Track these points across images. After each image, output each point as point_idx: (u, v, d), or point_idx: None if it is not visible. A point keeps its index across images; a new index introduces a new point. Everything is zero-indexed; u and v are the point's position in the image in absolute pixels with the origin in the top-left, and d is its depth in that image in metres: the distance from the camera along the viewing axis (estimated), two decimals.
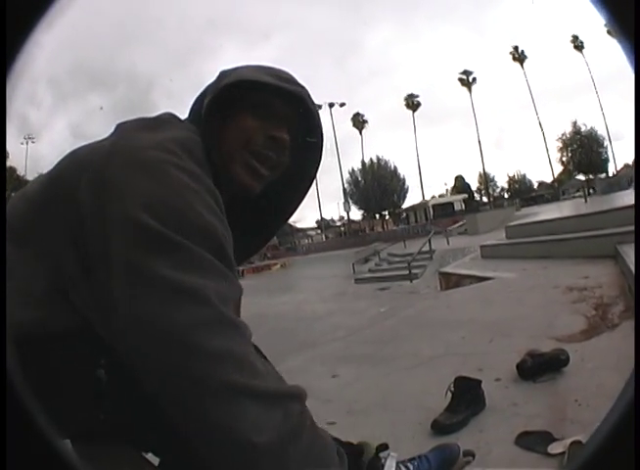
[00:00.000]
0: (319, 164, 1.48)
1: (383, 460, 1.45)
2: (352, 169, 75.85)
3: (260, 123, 1.28)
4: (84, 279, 1.04)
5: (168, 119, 1.27)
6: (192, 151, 1.13)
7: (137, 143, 1.09)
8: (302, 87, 1.35)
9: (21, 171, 62.03)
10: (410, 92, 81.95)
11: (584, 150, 66.69)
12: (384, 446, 1.49)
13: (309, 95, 1.36)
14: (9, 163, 55.40)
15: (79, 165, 1.10)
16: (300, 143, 1.37)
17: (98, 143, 1.17)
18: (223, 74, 1.35)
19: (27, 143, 69.63)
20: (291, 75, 1.37)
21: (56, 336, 1.03)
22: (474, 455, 1.67)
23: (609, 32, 0.53)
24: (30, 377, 0.59)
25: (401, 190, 76.13)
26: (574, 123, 69.50)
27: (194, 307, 0.94)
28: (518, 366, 2.95)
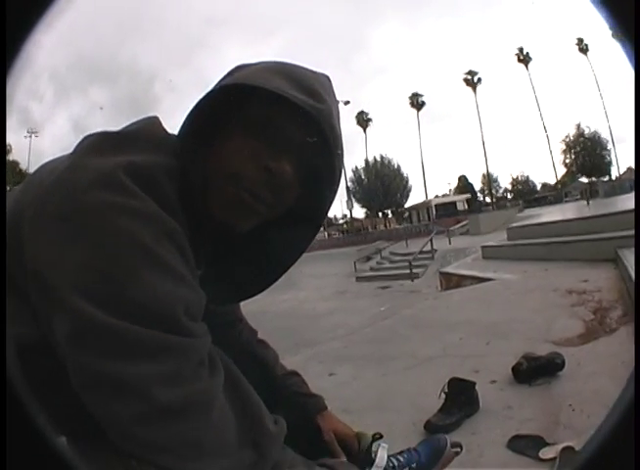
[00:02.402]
0: (332, 202, 1.15)
1: (374, 452, 1.47)
2: (356, 168, 75.65)
3: (256, 148, 0.99)
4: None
5: (142, 134, 1.01)
6: (151, 181, 0.91)
7: (79, 179, 0.88)
8: (324, 103, 1.02)
9: (24, 165, 62.06)
10: (415, 91, 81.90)
11: (587, 152, 66.63)
12: (378, 435, 1.52)
13: (331, 115, 1.04)
14: (11, 156, 55.51)
15: (28, 197, 0.94)
16: (311, 177, 1.07)
17: (54, 165, 1.00)
18: (234, 70, 1.09)
19: (31, 137, 69.28)
20: (316, 83, 1.05)
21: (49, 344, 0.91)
22: (461, 447, 1.69)
23: (613, 35, 0.54)
24: (30, 380, 0.61)
25: (404, 189, 76.01)
26: (578, 126, 69.56)
27: (135, 402, 0.82)
28: (513, 369, 2.96)
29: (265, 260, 1.19)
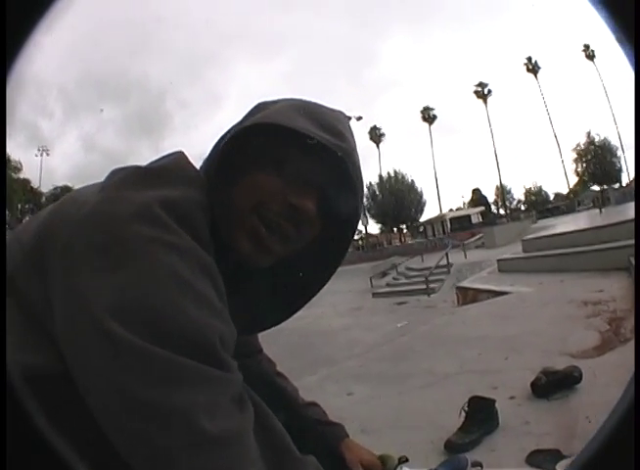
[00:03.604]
0: (353, 236, 1.19)
1: None
2: (370, 183, 75.46)
3: (281, 185, 1.01)
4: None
5: (172, 169, 1.03)
6: (186, 216, 0.93)
7: (117, 211, 0.90)
8: (346, 142, 1.05)
9: (35, 183, 62.33)
10: (426, 105, 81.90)
11: (598, 160, 66.06)
12: (404, 458, 1.55)
13: (354, 153, 1.06)
14: (22, 174, 55.68)
15: (56, 227, 0.95)
16: (334, 213, 1.08)
17: (84, 197, 0.98)
18: (255, 110, 1.11)
19: (42, 155, 68.96)
20: (337, 122, 1.08)
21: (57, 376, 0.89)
22: (482, 466, 1.68)
23: (616, 39, 0.53)
24: (44, 411, 0.62)
25: (419, 203, 75.82)
26: (588, 134, 69.12)
27: (181, 430, 0.80)
28: (532, 384, 2.96)
29: (286, 293, 1.21)
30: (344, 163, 1.02)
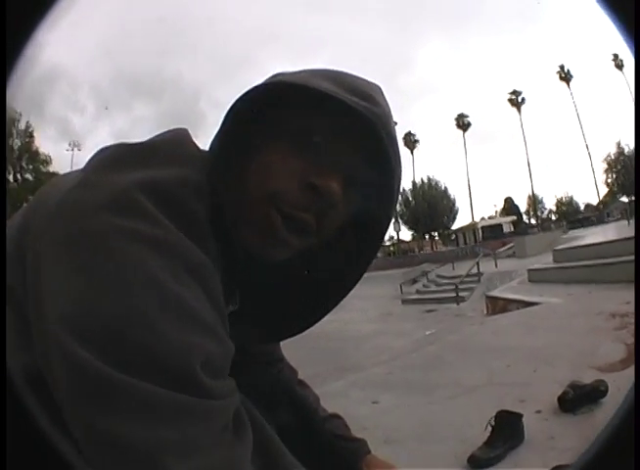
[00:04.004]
0: (388, 226, 0.96)
1: None
2: (403, 189, 75.37)
3: (299, 162, 0.82)
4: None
5: (167, 146, 0.85)
6: (174, 201, 0.75)
7: (88, 198, 0.73)
8: (379, 107, 0.85)
9: None
10: (461, 112, 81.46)
11: (627, 171, 64.99)
12: None
13: (389, 120, 0.86)
14: (52, 168, 56.21)
15: (34, 216, 0.80)
16: (365, 196, 0.88)
17: (65, 182, 0.83)
18: (272, 78, 0.91)
19: (73, 150, 69.02)
20: (369, 87, 0.88)
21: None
22: None
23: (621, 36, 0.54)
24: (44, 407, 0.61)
25: (451, 211, 75.49)
26: (618, 144, 68.03)
27: None
28: (559, 399, 2.93)
29: (312, 294, 1.00)
30: (377, 131, 0.82)
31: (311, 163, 0.82)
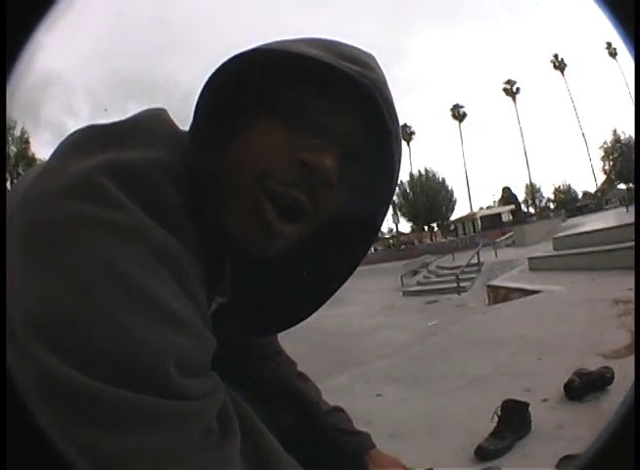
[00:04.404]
0: (388, 206, 0.88)
1: None
2: (401, 182, 75.34)
3: (291, 138, 0.74)
4: None
5: (139, 126, 0.78)
6: (145, 183, 0.68)
7: (50, 185, 0.67)
8: (374, 72, 0.77)
9: None
10: (456, 102, 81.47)
11: (624, 158, 64.99)
12: None
13: (385, 86, 0.79)
14: None
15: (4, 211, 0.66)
16: (362, 172, 0.80)
17: (36, 168, 0.81)
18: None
19: None
20: (362, 54, 0.81)
21: None
22: None
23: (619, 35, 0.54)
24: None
25: (450, 202, 75.66)
26: (614, 131, 68.17)
27: None
28: (565, 386, 2.92)
29: (307, 283, 0.93)
30: (374, 98, 0.74)
31: (302, 136, 0.74)
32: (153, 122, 0.80)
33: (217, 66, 0.76)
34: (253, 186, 0.73)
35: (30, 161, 55.09)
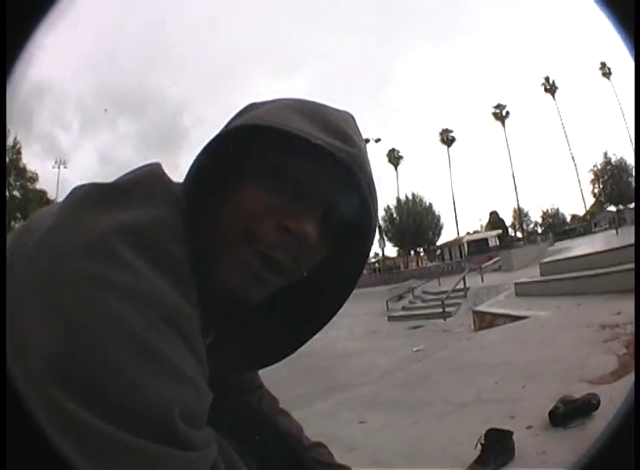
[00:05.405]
0: (365, 263, 0.96)
1: None
2: (387, 206, 75.62)
3: (274, 203, 0.82)
4: None
5: (139, 184, 0.83)
6: (156, 246, 0.75)
7: (64, 242, 0.72)
8: (355, 147, 0.84)
9: (52, 195, 62.43)
10: (445, 127, 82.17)
11: (615, 181, 65.56)
12: None
13: (365, 161, 0.86)
14: (38, 185, 55.88)
15: (14, 253, 0.78)
16: (342, 236, 0.89)
17: (38, 220, 0.84)
18: (244, 111, 0.92)
19: (59, 168, 68.22)
20: (343, 123, 0.88)
21: None
22: None
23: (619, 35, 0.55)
24: None
25: (436, 227, 75.79)
26: (605, 154, 68.74)
27: None
28: (550, 413, 2.92)
29: (288, 327, 1.00)
30: (354, 172, 0.81)
31: (286, 202, 0.82)
32: (152, 180, 0.85)
33: (212, 137, 0.83)
34: (244, 245, 0.81)
35: (22, 171, 54.67)
